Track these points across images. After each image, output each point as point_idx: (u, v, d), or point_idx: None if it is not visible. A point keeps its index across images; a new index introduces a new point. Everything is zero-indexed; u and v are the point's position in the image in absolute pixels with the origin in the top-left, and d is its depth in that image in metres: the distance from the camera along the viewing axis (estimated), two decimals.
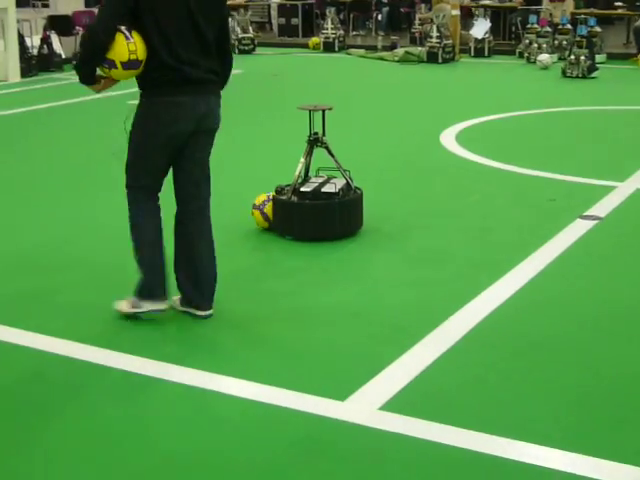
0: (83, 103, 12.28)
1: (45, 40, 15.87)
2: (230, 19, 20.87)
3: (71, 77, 15.13)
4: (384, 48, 18.02)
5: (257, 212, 6.08)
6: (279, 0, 22.27)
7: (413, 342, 4.33)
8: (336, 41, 18.47)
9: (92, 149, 9.18)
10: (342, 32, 18.86)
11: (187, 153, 4.54)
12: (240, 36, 18.57)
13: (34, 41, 15.70)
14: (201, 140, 4.57)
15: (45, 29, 16.14)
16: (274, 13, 22.44)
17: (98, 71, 4.36)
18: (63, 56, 16.28)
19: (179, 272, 4.70)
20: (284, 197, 5.96)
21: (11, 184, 7.80)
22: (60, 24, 17.12)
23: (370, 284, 5.22)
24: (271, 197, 6.01)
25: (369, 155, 8.72)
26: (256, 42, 18.85)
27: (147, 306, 4.59)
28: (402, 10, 21.85)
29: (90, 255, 5.76)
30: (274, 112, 11.52)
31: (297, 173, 6.01)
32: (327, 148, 6.08)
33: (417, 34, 18.64)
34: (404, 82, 14.45)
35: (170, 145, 4.46)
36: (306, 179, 6.12)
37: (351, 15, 21.62)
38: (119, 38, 4.22)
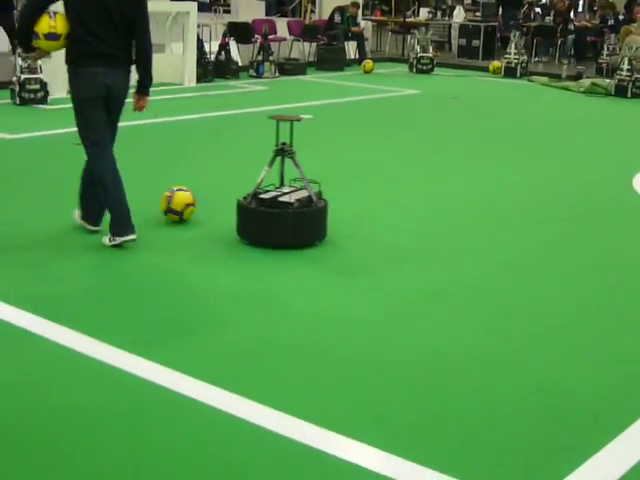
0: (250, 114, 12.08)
1: (223, 46, 15.78)
2: (409, 37, 20.48)
3: (247, 85, 14.99)
4: (569, 77, 17.11)
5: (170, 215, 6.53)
6: (461, 20, 21.67)
7: None
8: (518, 66, 17.67)
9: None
10: (525, 57, 18.03)
11: (109, 112, 5.81)
12: (419, 55, 18.04)
13: (212, 47, 15.62)
14: (110, 103, 5.77)
15: (224, 35, 16.07)
16: (454, 33, 21.84)
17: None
18: (240, 63, 16.17)
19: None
20: (245, 202, 6.13)
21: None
22: (239, 31, 17.07)
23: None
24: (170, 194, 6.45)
25: (552, 197, 8.01)
26: (435, 62, 18.24)
27: (119, 240, 5.79)
28: (589, 39, 20.84)
29: None
30: (453, 137, 10.93)
31: (259, 180, 6.15)
32: (293, 159, 6.20)
33: (605, 65, 17.66)
34: (590, 115, 13.57)
35: (95, 104, 5.71)
36: (277, 188, 6.26)
37: (535, 40, 20.77)
38: (44, 17, 5.52)
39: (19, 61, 11.79)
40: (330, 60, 17.85)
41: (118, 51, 5.65)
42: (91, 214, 6.14)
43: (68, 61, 5.72)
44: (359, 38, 18.98)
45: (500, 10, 22.62)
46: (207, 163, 8.90)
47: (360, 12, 19.78)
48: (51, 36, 5.52)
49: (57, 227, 6.39)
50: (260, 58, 16.20)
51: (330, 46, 18.12)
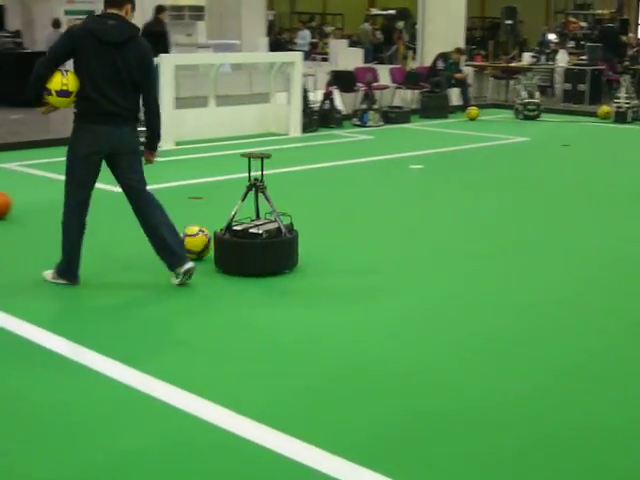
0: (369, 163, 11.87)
1: (327, 95, 15.67)
2: (512, 82, 20.10)
3: (352, 135, 14.82)
4: None
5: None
6: (565, 64, 21.21)
7: None
8: (629, 111, 17.12)
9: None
10: (637, 102, 17.47)
11: (116, 168, 6.13)
12: (525, 101, 17.64)
13: (317, 96, 15.52)
14: (121, 159, 6.07)
15: (328, 84, 15.96)
16: (558, 77, 21.38)
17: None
18: (343, 112, 16.02)
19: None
20: (220, 233, 6.72)
21: None
22: (342, 79, 16.95)
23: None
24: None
25: None
26: (542, 108, 17.82)
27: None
28: None
29: None
30: (572, 188, 10.51)
31: (232, 213, 6.73)
32: (264, 193, 6.83)
33: None
34: None
35: (92, 161, 6.01)
36: (253, 220, 6.82)
37: None
38: (57, 74, 5.89)
39: None
40: (434, 107, 17.58)
41: (124, 111, 5.95)
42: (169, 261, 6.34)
43: (76, 116, 6.01)
44: (462, 84, 18.67)
45: (604, 53, 22.08)
46: (308, 218, 8.69)
47: (463, 58, 19.50)
48: (63, 93, 5.89)
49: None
50: (364, 107, 16.03)
51: (433, 93, 17.86)
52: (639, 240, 8.01)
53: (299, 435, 3.99)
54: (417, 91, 18.41)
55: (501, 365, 4.93)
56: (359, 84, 17.08)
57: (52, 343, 5.13)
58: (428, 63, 19.04)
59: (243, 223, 6.75)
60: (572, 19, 28.61)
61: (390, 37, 29.74)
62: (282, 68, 14.97)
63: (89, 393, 4.46)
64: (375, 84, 16.90)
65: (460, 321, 5.69)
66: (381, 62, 25.41)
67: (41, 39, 19.73)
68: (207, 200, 9.35)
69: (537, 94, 17.94)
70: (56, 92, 5.89)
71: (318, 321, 5.66)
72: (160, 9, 16.73)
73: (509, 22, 24.03)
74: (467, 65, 20.82)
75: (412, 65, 21.32)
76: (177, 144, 12.90)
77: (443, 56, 18.48)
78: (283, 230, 6.68)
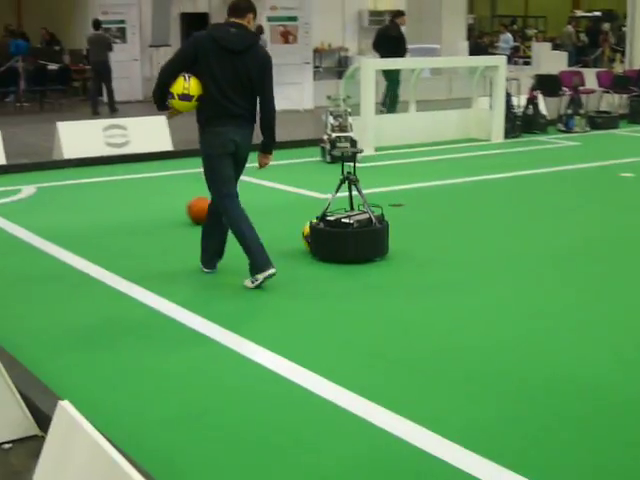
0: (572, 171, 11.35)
1: (531, 100, 15.15)
2: None
3: (557, 141, 14.27)
4: None
5: (304, 242, 7.18)
6: None
7: None
8: None
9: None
10: None
11: (236, 166, 6.38)
12: None
13: (520, 101, 15.03)
14: (240, 159, 6.36)
15: (532, 89, 15.43)
16: None
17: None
18: (548, 117, 15.45)
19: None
20: (315, 224, 7.05)
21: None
22: (547, 84, 16.36)
23: None
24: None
25: None
26: None
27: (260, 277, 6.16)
28: None
29: None
30: None
31: (327, 205, 7.09)
32: (356, 186, 7.18)
33: None
34: None
35: (225, 159, 6.25)
36: (347, 212, 7.13)
37: None
38: (180, 79, 6.13)
39: (330, 119, 11.80)
40: None
41: (245, 112, 6.24)
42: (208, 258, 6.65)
43: (200, 120, 6.29)
44: None
45: None
46: (506, 226, 8.29)
47: None
48: (184, 97, 6.13)
49: None
50: (570, 112, 15.41)
51: None
52: None
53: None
54: (625, 95, 17.54)
55: None
56: (564, 88, 16.43)
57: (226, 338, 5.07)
58: (637, 66, 18.13)
59: (337, 214, 7.07)
60: None
61: (595, 39, 28.72)
62: (484, 72, 14.59)
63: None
64: (581, 88, 16.21)
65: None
66: (584, 65, 24.51)
67: None
68: (406, 207, 9.13)
69: None
70: (178, 96, 6.13)
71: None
72: (398, 14, 17.41)
73: None
74: None
75: (619, 68, 20.40)
76: (376, 150, 12.77)
77: None
78: (373, 220, 6.97)
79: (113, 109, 17.46)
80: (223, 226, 6.45)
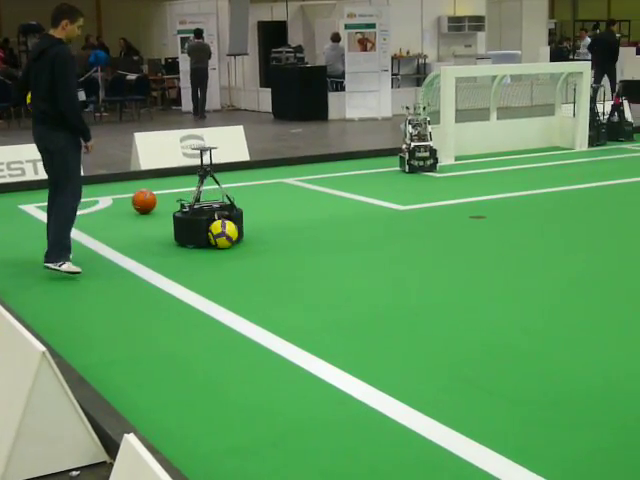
0: None
1: (617, 107, 14.68)
2: None
3: None
4: None
5: (222, 239, 7.67)
6: None
7: None
8: None
9: None
10: None
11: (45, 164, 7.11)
12: None
13: (605, 107, 14.57)
14: (45, 157, 7.01)
15: (617, 95, 14.96)
16: None
17: None
18: (634, 124, 14.94)
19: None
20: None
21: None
22: (633, 89, 15.88)
23: None
24: (224, 221, 7.71)
25: None
26: None
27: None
28: None
29: None
30: None
31: (193, 198, 7.94)
32: (213, 177, 8.02)
33: None
34: None
35: (43, 157, 7.08)
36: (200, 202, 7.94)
37: None
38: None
39: (409, 129, 11.55)
40: None
41: (40, 113, 6.82)
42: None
43: None
44: None
45: None
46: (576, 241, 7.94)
47: None
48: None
49: None
50: None
51: None
52: None
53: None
54: None
55: None
56: None
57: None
58: None
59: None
60: None
61: None
62: (568, 78, 14.19)
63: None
64: None
65: None
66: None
67: (320, 53, 20.08)
68: (488, 219, 8.84)
69: None
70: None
71: None
72: (612, 22, 19.91)
73: None
74: None
75: None
76: (457, 159, 12.47)
77: None
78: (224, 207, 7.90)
79: (203, 115, 18.75)
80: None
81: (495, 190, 10.35)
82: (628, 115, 15.05)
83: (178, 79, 20.99)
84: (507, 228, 8.55)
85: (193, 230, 7.81)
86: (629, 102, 15.53)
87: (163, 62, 22.97)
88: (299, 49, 19.63)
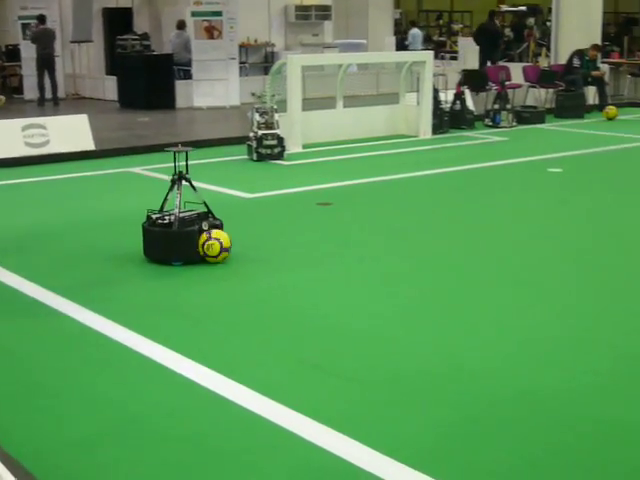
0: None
1: (459, 95, 15.10)
2: (628, 77, 19.11)
3: (485, 136, 14.24)
4: None
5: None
6: None
7: None
8: None
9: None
10: None
11: None
12: None
13: (447, 96, 14.97)
14: None
15: (459, 84, 15.39)
16: None
17: None
18: (475, 113, 15.41)
19: None
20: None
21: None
22: (474, 79, 16.36)
23: None
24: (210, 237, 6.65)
25: None
26: None
27: None
28: None
29: None
30: None
31: (162, 205, 6.92)
32: (190, 182, 6.95)
33: None
34: None
35: None
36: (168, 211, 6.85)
37: None
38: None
39: (257, 117, 11.56)
40: (569, 107, 16.79)
41: None
42: None
43: None
44: (600, 83, 17.78)
45: None
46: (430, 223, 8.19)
47: (600, 55, 18.59)
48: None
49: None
50: (497, 107, 15.40)
51: (569, 92, 17.07)
52: None
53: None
54: (551, 90, 17.64)
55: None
56: (491, 83, 16.44)
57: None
58: (562, 61, 18.21)
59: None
60: None
61: (520, 34, 28.88)
62: (412, 67, 14.49)
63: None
64: (507, 83, 16.22)
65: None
66: (510, 60, 24.62)
67: (167, 41, 19.85)
68: (334, 206, 8.95)
69: None
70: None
71: None
72: (494, 13, 20.59)
73: None
74: (603, 62, 19.88)
75: (544, 63, 20.54)
76: (304, 147, 12.57)
77: (579, 53, 17.62)
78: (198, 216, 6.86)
79: (56, 102, 18.24)
80: None
81: (342, 177, 10.48)
82: (470, 104, 15.51)
83: (20, 67, 20.34)
84: (353, 214, 8.67)
85: (182, 244, 6.71)
86: (470, 91, 16.02)
87: (3, 49, 22.21)
88: (145, 37, 19.32)
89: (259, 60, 21.58)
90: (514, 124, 15.36)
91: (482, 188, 10.02)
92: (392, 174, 10.65)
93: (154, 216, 6.84)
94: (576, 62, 17.48)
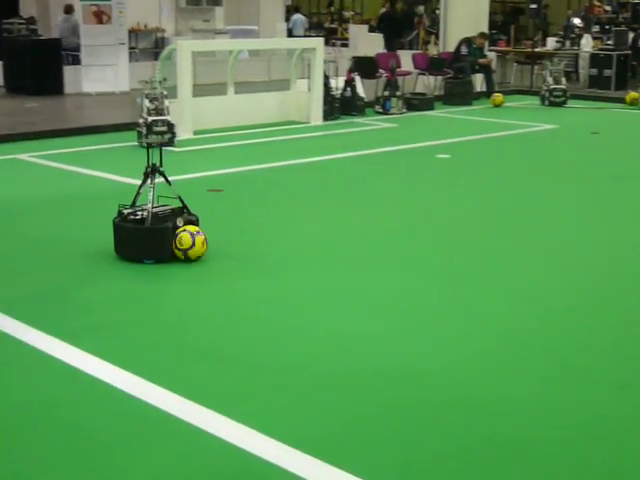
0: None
1: (349, 82, 15.24)
2: (536, 67, 19.66)
3: (375, 123, 14.42)
4: None
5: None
6: (590, 49, 20.69)
7: None
8: None
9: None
10: None
11: None
12: (552, 87, 17.14)
13: (338, 83, 15.09)
14: None
15: (350, 71, 15.53)
16: (582, 63, 20.89)
17: None
18: (366, 99, 15.58)
19: None
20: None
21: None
22: (364, 66, 16.52)
23: None
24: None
25: None
26: (568, 94, 17.31)
27: None
28: None
29: None
30: (596, 177, 10.08)
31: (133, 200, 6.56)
32: (164, 175, 6.63)
33: None
34: None
35: None
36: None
37: None
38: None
39: (146, 103, 11.44)
40: (458, 94, 17.14)
41: None
42: None
43: None
44: (487, 70, 18.19)
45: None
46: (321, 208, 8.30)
47: (487, 43, 19.00)
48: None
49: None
50: (387, 93, 15.60)
51: (457, 79, 17.41)
52: None
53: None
54: (440, 77, 17.96)
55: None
56: (381, 70, 16.64)
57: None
58: (451, 49, 18.56)
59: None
60: (596, 2, 28.05)
61: (410, 22, 29.25)
62: (303, 54, 14.56)
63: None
64: (398, 70, 16.44)
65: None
66: (401, 47, 24.94)
67: (55, 26, 19.45)
68: (225, 192, 8.96)
69: (563, 80, 17.43)
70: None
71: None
72: (395, 1, 19.55)
73: (533, 6, 23.42)
74: (490, 50, 20.32)
75: (434, 50, 20.88)
76: (195, 133, 12.51)
77: (467, 41, 17.98)
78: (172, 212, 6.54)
79: None
80: None
81: (233, 164, 10.50)
82: (360, 90, 15.66)
83: None
84: (243, 200, 8.70)
85: (155, 241, 6.38)
86: (361, 78, 16.17)
87: None
88: (32, 21, 18.84)
89: (149, 46, 21.34)
90: (404, 111, 15.59)
91: (372, 174, 10.16)
92: (283, 160, 10.72)
93: (126, 211, 6.51)
94: (464, 50, 17.83)
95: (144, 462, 3.66)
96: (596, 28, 24.03)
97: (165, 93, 11.63)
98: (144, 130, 11.44)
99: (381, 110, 15.53)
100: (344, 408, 4.16)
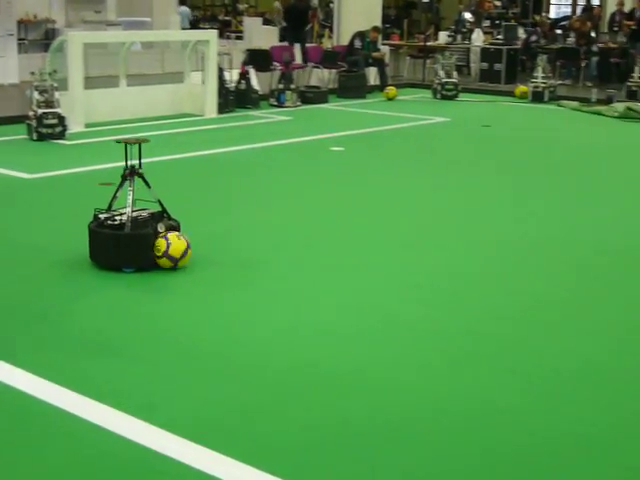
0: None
1: (243, 75, 15.22)
2: (429, 61, 19.99)
3: (269, 115, 14.43)
4: (599, 101, 16.54)
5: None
6: (481, 43, 21.12)
7: None
8: (546, 91, 17.07)
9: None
10: (553, 81, 17.46)
11: None
12: (443, 80, 17.44)
13: (233, 75, 15.05)
14: None
15: (244, 63, 15.51)
16: (473, 57, 21.33)
17: None
18: (260, 92, 15.57)
19: None
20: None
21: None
22: (258, 59, 16.51)
23: None
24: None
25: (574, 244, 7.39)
26: (460, 88, 17.64)
27: None
28: (612, 60, 20.29)
29: None
30: (487, 168, 10.33)
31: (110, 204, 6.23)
32: (143, 178, 6.30)
33: (636, 88, 17.03)
34: (632, 144, 12.92)
35: None
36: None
37: (557, 63, 20.20)
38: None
39: (36, 95, 11.23)
40: (352, 87, 17.29)
41: None
42: None
43: None
44: (380, 64, 18.41)
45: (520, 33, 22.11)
46: (228, 200, 8.30)
47: (380, 37, 19.22)
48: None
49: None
50: (281, 86, 15.63)
51: (351, 73, 17.55)
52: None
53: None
54: (334, 70, 18.07)
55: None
56: (275, 63, 16.66)
57: None
58: (345, 42, 18.71)
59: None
60: None
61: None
62: (196, 46, 14.47)
63: None
64: (292, 63, 16.50)
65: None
66: (305, 39, 24.97)
67: None
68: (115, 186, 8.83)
69: (455, 74, 17.76)
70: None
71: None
72: None
73: (426, 0, 23.83)
74: (383, 44, 20.55)
75: (327, 44, 20.99)
76: (87, 126, 12.32)
77: (360, 35, 18.17)
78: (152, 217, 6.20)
79: None
80: None
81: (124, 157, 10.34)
82: (254, 83, 15.63)
83: None
84: (137, 193, 8.59)
85: (136, 248, 5.98)
86: (255, 70, 16.15)
87: None
88: None
89: (39, 37, 20.89)
90: (298, 104, 15.65)
91: (265, 167, 10.18)
92: (177, 154, 10.65)
93: (102, 216, 6.13)
94: (357, 44, 18.00)
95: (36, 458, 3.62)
96: (487, 23, 24.51)
97: (55, 85, 11.44)
98: (34, 123, 11.24)
99: (276, 103, 15.55)
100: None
